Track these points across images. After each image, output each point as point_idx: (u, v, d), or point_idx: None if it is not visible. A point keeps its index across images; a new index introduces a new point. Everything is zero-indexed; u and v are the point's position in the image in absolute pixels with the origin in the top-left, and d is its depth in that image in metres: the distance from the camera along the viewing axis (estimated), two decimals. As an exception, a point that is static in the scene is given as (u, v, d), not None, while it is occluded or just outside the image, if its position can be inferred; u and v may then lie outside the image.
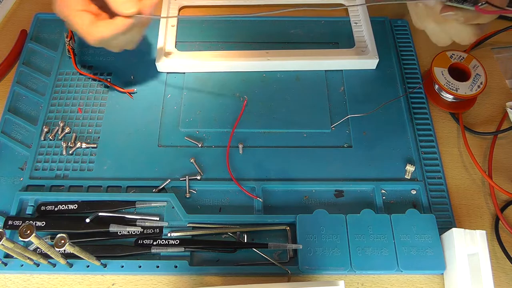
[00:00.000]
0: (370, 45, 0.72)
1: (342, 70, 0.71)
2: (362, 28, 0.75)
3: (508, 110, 0.67)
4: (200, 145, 0.64)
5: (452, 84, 0.65)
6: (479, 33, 0.54)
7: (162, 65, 0.70)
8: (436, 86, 0.68)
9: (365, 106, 0.67)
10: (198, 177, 0.61)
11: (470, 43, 0.55)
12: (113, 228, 0.57)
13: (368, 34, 0.73)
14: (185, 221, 0.58)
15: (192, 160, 0.62)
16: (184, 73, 0.70)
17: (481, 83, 0.65)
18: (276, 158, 0.63)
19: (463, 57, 0.68)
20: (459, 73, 0.67)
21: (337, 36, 0.75)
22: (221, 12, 0.79)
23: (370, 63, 0.71)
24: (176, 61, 0.70)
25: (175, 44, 0.72)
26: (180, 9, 0.77)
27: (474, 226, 0.60)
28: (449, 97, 0.67)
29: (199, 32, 0.75)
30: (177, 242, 0.56)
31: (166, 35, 0.72)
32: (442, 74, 0.66)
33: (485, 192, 0.63)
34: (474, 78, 0.66)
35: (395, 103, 0.68)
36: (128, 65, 0.71)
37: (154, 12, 0.55)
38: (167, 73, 0.70)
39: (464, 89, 0.65)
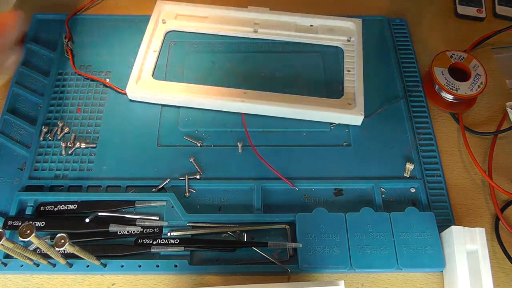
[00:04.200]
0: (358, 98, 0.66)
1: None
2: (354, 78, 0.69)
3: (508, 110, 0.67)
4: (199, 145, 0.64)
5: (452, 84, 0.65)
6: None
7: (132, 93, 0.67)
8: (436, 86, 0.68)
9: (364, 105, 0.67)
10: (198, 177, 0.61)
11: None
12: (112, 228, 0.57)
13: (359, 86, 0.67)
14: (184, 220, 0.58)
15: (191, 160, 0.62)
16: (183, 71, 0.70)
17: (481, 83, 0.65)
18: (276, 157, 0.63)
19: (463, 57, 0.68)
20: (459, 73, 0.67)
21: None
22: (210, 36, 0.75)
23: (354, 119, 0.65)
24: (147, 91, 0.67)
25: (153, 72, 0.70)
26: (166, 33, 0.74)
27: (474, 226, 0.59)
28: (449, 97, 0.67)
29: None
30: (177, 241, 0.56)
31: (144, 60, 0.70)
32: (442, 74, 0.66)
33: (485, 192, 0.63)
34: (474, 78, 0.66)
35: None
36: (127, 65, 0.71)
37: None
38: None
39: (464, 89, 0.65)
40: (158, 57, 0.72)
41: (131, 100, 0.68)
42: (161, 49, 0.72)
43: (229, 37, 0.75)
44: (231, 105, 0.66)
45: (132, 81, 0.67)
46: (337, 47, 0.74)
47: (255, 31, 0.74)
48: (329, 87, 0.70)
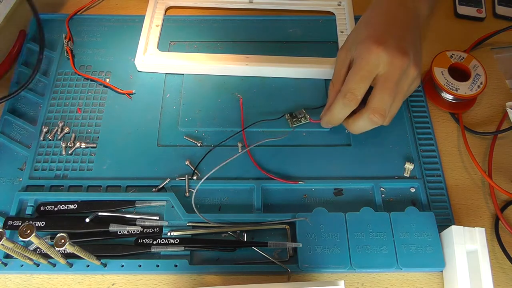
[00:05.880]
0: None
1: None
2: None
3: (508, 110, 0.67)
4: (199, 144, 0.64)
5: (452, 84, 0.65)
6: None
7: (140, 64, 0.70)
8: (436, 86, 0.68)
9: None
10: (195, 177, 0.61)
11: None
12: (113, 227, 0.57)
13: None
14: (184, 220, 0.58)
15: (187, 162, 0.62)
16: (183, 74, 0.70)
17: (481, 83, 0.65)
18: (275, 157, 0.63)
19: (463, 57, 0.68)
20: (459, 73, 0.67)
21: (335, 34, 0.75)
22: (208, 13, 0.78)
23: None
24: (155, 61, 0.70)
25: (158, 44, 0.72)
26: (166, 10, 0.77)
27: (474, 226, 0.59)
28: (449, 97, 0.67)
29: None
30: (177, 241, 0.56)
31: (148, 34, 0.72)
32: (442, 74, 0.66)
33: (485, 192, 0.63)
34: (474, 78, 0.66)
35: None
36: (127, 65, 0.71)
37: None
38: (166, 74, 0.70)
39: (464, 89, 0.65)
40: (161, 31, 0.74)
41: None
42: (162, 23, 0.75)
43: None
44: (235, 68, 0.70)
45: (140, 53, 0.70)
46: (329, 12, 0.78)
47: (251, 2, 0.78)
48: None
